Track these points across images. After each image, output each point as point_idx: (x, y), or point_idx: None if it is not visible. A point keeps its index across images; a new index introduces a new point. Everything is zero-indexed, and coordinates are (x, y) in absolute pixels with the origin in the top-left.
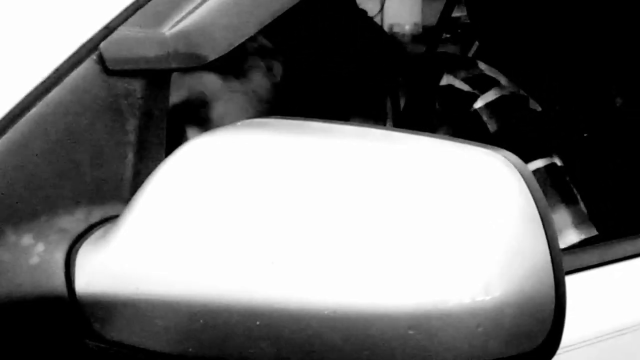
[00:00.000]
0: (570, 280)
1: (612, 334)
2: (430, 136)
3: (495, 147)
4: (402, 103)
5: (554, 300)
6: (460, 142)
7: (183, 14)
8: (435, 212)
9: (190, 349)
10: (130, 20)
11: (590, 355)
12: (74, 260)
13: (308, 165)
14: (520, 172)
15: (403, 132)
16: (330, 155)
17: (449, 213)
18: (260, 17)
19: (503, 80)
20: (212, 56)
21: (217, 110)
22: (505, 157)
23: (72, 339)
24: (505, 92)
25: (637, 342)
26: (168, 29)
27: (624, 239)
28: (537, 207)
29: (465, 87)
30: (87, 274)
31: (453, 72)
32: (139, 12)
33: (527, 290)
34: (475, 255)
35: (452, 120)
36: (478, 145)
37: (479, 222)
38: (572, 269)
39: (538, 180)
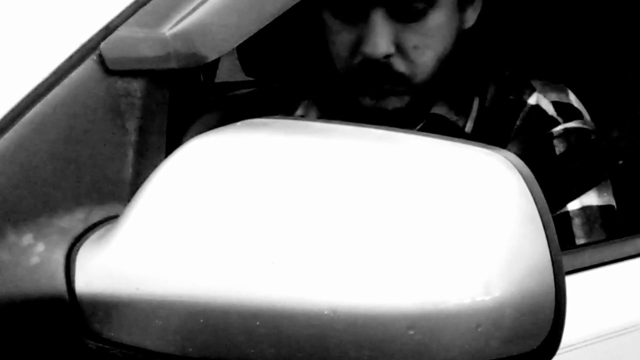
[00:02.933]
0: (570, 280)
1: (612, 334)
2: (430, 136)
3: (495, 147)
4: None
5: (554, 300)
6: (460, 142)
7: (183, 14)
8: (435, 212)
9: (190, 349)
10: (130, 20)
11: (590, 355)
12: (74, 260)
13: (307, 166)
14: (520, 172)
15: (403, 132)
16: (330, 155)
17: (449, 213)
18: (260, 16)
19: (587, 116)
20: (212, 56)
21: None
22: (505, 157)
23: (72, 339)
24: (586, 126)
25: (637, 342)
26: (168, 29)
27: (623, 239)
28: (537, 207)
29: (551, 110)
30: (87, 274)
31: (544, 92)
32: (139, 12)
33: (527, 290)
34: (475, 255)
35: (526, 138)
36: (478, 145)
37: (478, 222)
38: (572, 269)
39: (588, 218)
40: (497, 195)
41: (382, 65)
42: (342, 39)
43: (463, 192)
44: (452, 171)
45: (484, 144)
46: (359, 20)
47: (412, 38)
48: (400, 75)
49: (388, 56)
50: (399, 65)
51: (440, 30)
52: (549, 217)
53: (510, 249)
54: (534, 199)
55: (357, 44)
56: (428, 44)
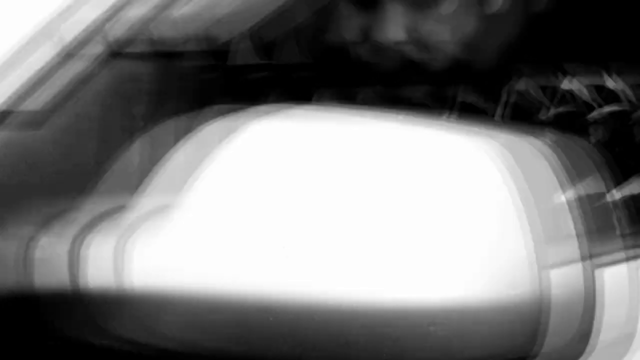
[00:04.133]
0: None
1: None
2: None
3: (482, 133)
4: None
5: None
6: (448, 127)
7: None
8: (434, 209)
9: (198, 346)
10: (138, 1)
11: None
12: (79, 253)
13: (329, 157)
14: (509, 162)
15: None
16: (358, 144)
17: (447, 211)
18: None
19: (624, 95)
20: (224, 38)
21: None
22: (493, 145)
23: (75, 334)
24: (622, 108)
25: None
26: (177, 10)
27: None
28: (524, 199)
29: (585, 95)
30: (92, 267)
31: (577, 76)
32: None
33: (527, 290)
34: (475, 255)
35: (562, 126)
36: (463, 132)
37: (478, 222)
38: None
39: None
40: (493, 193)
41: (395, 52)
42: (352, 24)
43: (458, 188)
44: (443, 164)
45: (469, 129)
46: (371, 4)
47: (426, 24)
48: (415, 63)
49: (401, 43)
50: (413, 52)
51: (456, 15)
52: (535, 210)
53: (494, 245)
54: (528, 195)
55: (369, 30)
56: (443, 30)
